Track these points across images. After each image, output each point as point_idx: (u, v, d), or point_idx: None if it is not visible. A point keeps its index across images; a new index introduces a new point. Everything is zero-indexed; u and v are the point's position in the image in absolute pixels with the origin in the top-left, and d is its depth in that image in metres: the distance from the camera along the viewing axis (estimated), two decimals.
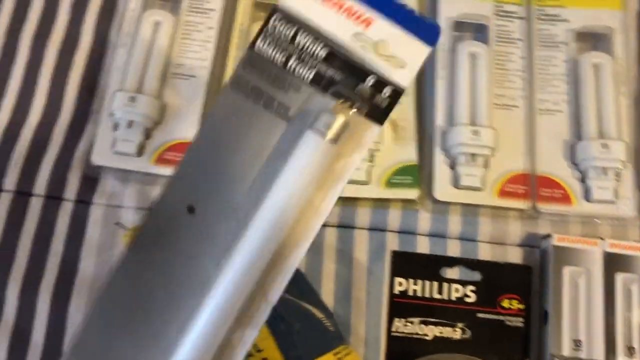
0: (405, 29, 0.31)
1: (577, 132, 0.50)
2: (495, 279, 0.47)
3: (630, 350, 0.43)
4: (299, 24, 0.31)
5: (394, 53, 0.31)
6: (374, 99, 0.31)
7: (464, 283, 0.47)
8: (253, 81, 0.30)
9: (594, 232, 0.48)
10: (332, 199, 0.31)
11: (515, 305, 0.46)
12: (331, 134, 0.30)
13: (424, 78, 0.52)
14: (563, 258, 0.45)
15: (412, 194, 0.48)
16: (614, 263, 0.45)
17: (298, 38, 0.31)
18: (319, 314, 0.42)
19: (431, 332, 0.46)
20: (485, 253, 0.48)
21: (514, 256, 0.48)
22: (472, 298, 0.47)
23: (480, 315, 0.46)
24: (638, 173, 0.49)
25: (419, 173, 0.48)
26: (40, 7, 0.53)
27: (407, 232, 0.48)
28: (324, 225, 0.47)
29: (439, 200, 0.48)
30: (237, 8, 0.52)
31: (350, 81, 0.31)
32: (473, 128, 0.48)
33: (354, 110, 0.31)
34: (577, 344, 0.44)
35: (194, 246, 0.30)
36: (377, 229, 0.48)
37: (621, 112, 0.49)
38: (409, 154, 0.49)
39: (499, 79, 0.51)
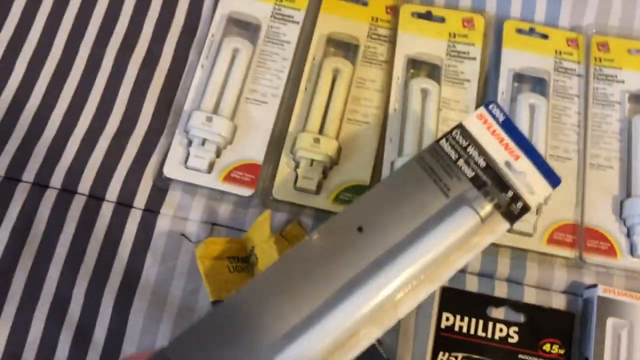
0: (539, 170, 0.43)
1: (627, 188, 0.52)
2: (538, 322, 0.49)
3: None
4: (472, 140, 0.42)
5: (529, 182, 0.42)
6: (509, 206, 0.41)
7: (508, 324, 0.49)
8: (431, 163, 0.42)
9: (636, 286, 0.50)
10: (462, 261, 0.40)
11: (556, 350, 0.48)
12: (483, 214, 0.40)
13: None
14: (607, 309, 0.47)
15: None
16: None
17: (469, 148, 0.42)
18: None
19: None
20: (530, 296, 0.50)
21: (558, 302, 0.50)
22: (514, 339, 0.48)
23: (521, 356, 0.48)
24: None
25: None
26: (126, 23, 0.56)
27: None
28: None
29: None
30: (311, 42, 0.55)
31: (497, 188, 0.42)
32: None
33: (497, 207, 0.41)
34: None
35: (357, 256, 0.39)
36: None
37: None
38: None
39: (555, 132, 0.53)
